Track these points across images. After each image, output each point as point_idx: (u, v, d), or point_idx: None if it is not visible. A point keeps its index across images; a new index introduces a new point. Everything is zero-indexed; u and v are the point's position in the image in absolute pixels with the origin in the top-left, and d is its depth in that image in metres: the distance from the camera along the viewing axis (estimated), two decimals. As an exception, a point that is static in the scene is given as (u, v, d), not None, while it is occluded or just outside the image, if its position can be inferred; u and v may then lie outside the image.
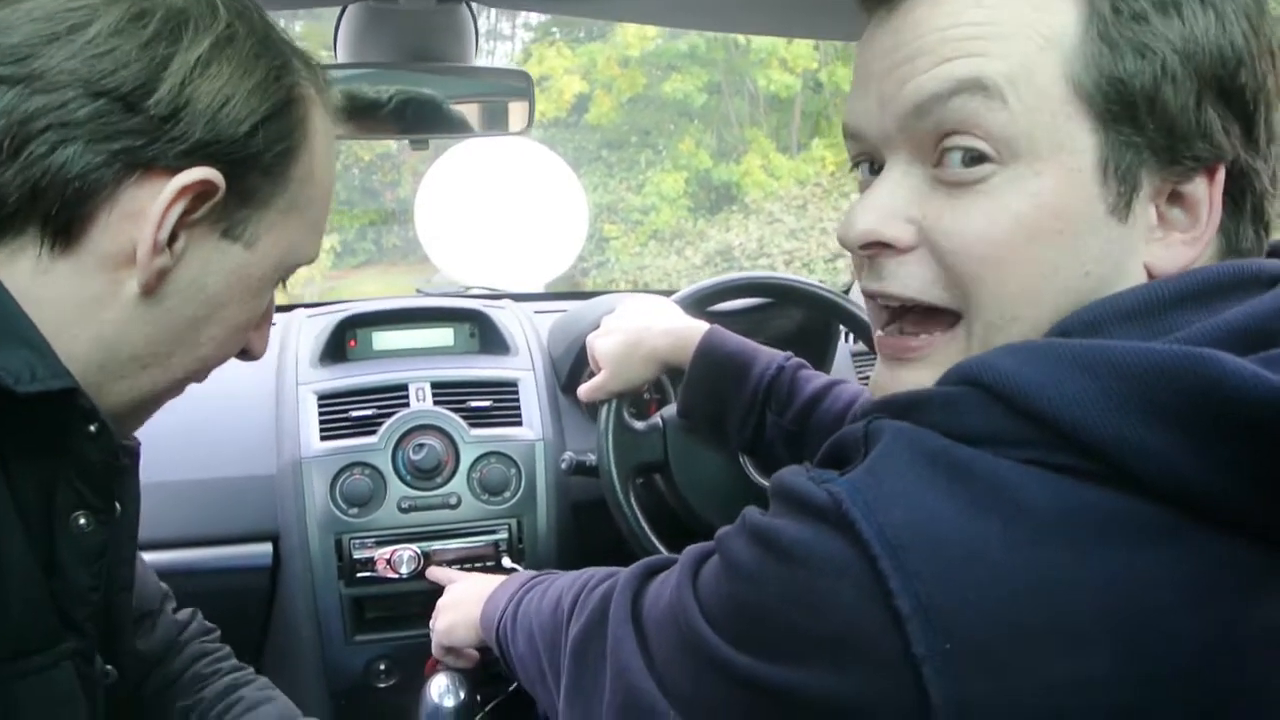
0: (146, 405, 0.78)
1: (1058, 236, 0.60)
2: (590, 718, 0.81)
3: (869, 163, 0.70)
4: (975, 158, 0.61)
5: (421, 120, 1.35)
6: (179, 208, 0.69)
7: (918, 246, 0.64)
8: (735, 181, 11.50)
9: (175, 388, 0.79)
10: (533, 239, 2.81)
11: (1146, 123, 0.59)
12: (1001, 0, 0.60)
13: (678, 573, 0.71)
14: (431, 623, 1.28)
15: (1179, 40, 0.58)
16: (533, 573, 1.13)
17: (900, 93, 0.63)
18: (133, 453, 0.83)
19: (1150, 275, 0.62)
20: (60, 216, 0.68)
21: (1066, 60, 0.59)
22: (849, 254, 0.69)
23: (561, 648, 0.89)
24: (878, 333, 0.71)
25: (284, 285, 0.83)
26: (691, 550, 0.73)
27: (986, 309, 0.62)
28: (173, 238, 0.71)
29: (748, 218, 11.11)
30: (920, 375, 0.66)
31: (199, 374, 0.80)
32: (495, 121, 1.41)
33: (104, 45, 0.67)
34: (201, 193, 0.70)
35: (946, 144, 0.62)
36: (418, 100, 1.33)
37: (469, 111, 1.40)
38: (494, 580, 1.19)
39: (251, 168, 0.73)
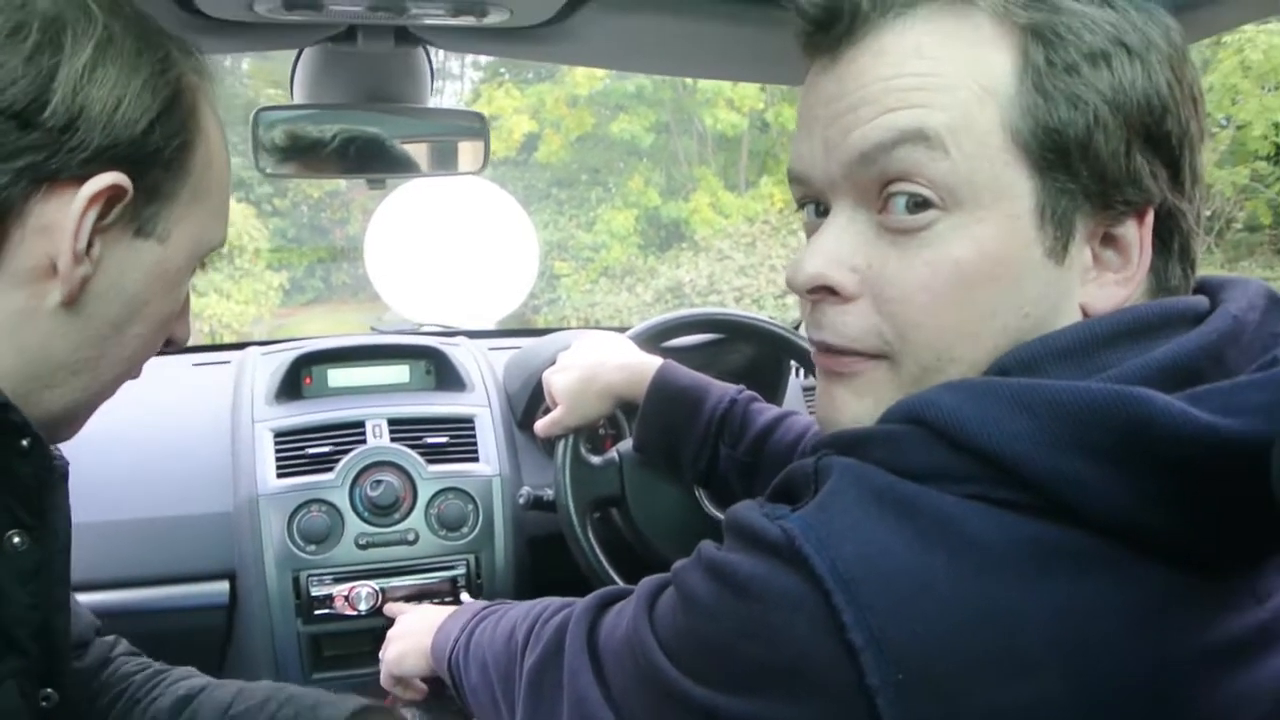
0: (80, 410, 0.78)
1: (997, 282, 0.62)
2: None
3: (814, 204, 0.71)
4: (919, 203, 0.62)
5: (377, 160, 1.37)
6: (92, 215, 0.69)
7: (860, 296, 0.66)
8: (684, 219, 11.60)
9: (108, 390, 0.79)
10: (483, 276, 2.81)
11: (1080, 169, 0.61)
12: (942, 51, 0.62)
13: (634, 605, 0.73)
14: (381, 653, 1.28)
15: (1109, 90, 0.60)
16: (485, 603, 1.13)
17: (845, 141, 0.64)
18: (60, 470, 0.82)
19: (1085, 314, 0.64)
20: None
21: (1004, 110, 0.61)
22: None
23: (516, 679, 0.89)
24: (814, 350, 0.72)
25: (203, 267, 0.84)
26: (647, 583, 0.74)
27: (921, 352, 0.64)
28: (89, 245, 0.70)
29: (698, 255, 11.21)
30: (855, 400, 0.68)
31: (130, 373, 0.80)
32: (451, 161, 1.43)
33: None
34: (112, 197, 0.70)
35: (891, 190, 0.63)
36: (373, 140, 1.35)
37: (425, 151, 1.41)
38: (445, 610, 1.19)
39: (153, 164, 0.73)
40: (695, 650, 0.64)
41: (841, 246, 0.66)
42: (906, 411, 0.62)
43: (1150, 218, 0.63)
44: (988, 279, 0.62)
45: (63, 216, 0.68)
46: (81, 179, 0.69)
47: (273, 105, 1.33)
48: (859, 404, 0.68)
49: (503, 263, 2.85)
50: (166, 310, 0.79)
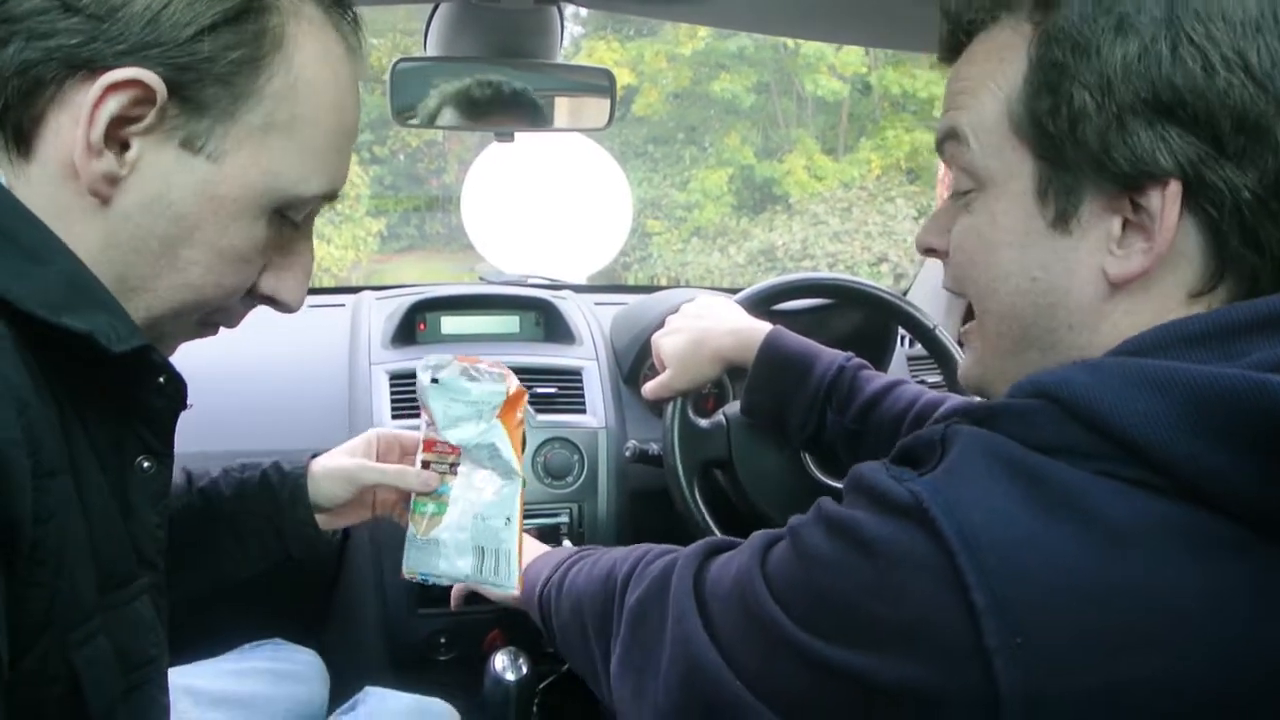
0: (148, 334, 0.76)
1: (1006, 248, 0.71)
2: (643, 684, 0.84)
3: None
4: (963, 187, 0.74)
5: (508, 113, 1.40)
6: (110, 106, 0.67)
7: (950, 252, 0.77)
8: (777, 179, 11.46)
9: (174, 321, 0.77)
10: (577, 231, 2.84)
11: (1066, 148, 0.66)
12: (982, 59, 0.73)
13: (745, 555, 0.75)
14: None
15: (1094, 78, 0.64)
16: (578, 547, 1.16)
17: None
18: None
19: (1108, 280, 0.67)
20: (10, 116, 0.68)
21: (1009, 104, 0.70)
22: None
23: (613, 616, 0.92)
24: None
25: (297, 215, 0.79)
26: (759, 535, 0.77)
27: (972, 300, 0.76)
28: (126, 145, 0.69)
29: (792, 218, 11.06)
30: (966, 353, 0.82)
31: (196, 306, 0.77)
32: (578, 117, 1.45)
33: None
34: (142, 97, 0.68)
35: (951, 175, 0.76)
36: (505, 94, 1.38)
37: (554, 106, 1.43)
38: (535, 550, 1.21)
39: (202, 75, 0.70)
40: (812, 603, 0.66)
41: (941, 218, 0.79)
42: (1037, 387, 0.65)
43: (1173, 189, 0.63)
44: (999, 245, 0.71)
45: (85, 104, 0.68)
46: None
47: (408, 57, 1.36)
48: (967, 356, 0.82)
49: (597, 218, 2.87)
50: (227, 242, 0.75)
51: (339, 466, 1.13)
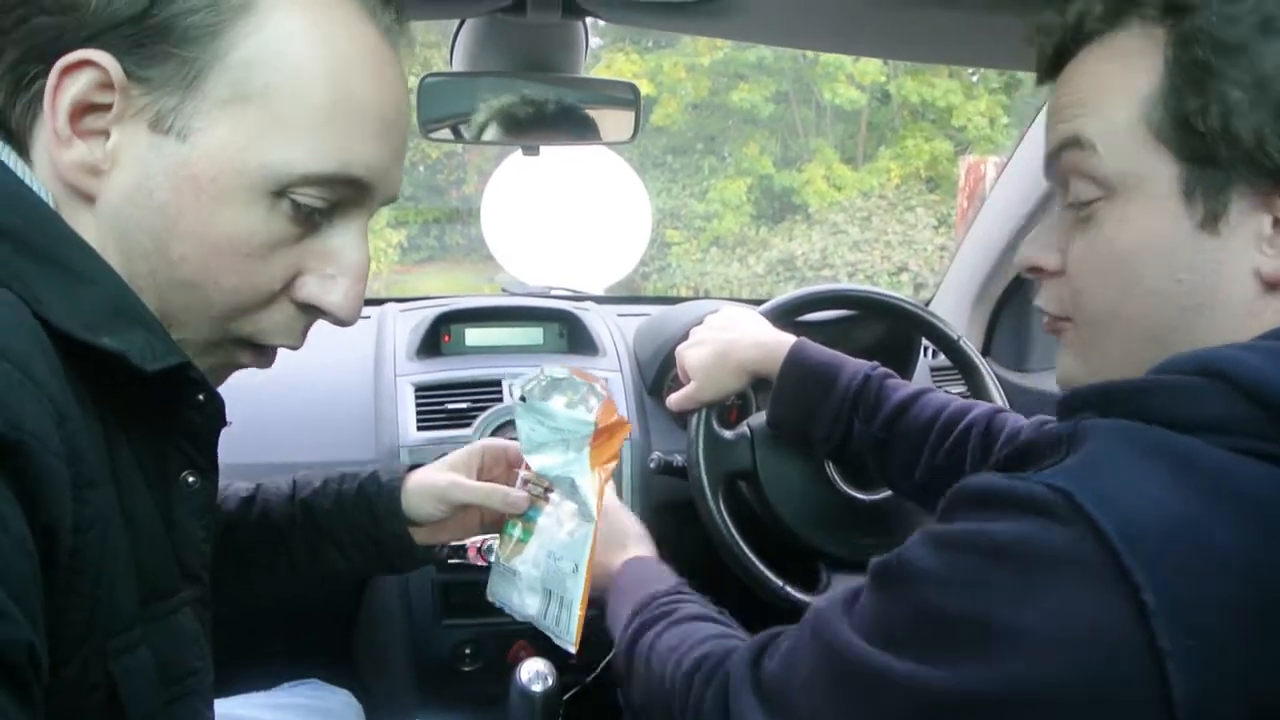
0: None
1: (1145, 252, 0.70)
2: None
3: None
4: (1086, 197, 0.73)
5: (534, 128, 1.40)
6: (70, 91, 0.66)
7: (1062, 271, 0.77)
8: (796, 189, 11.46)
9: (191, 329, 0.74)
10: (596, 242, 2.84)
11: (1219, 149, 0.66)
12: (1102, 68, 0.73)
13: (820, 624, 0.73)
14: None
15: (1246, 76, 0.65)
16: (640, 601, 1.06)
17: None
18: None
19: (1261, 279, 0.67)
20: (6, 119, 0.68)
21: (1146, 108, 0.69)
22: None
23: None
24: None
25: (315, 209, 0.73)
26: (825, 600, 0.75)
27: (1089, 313, 0.75)
28: (108, 137, 0.68)
29: (811, 228, 11.06)
30: (1065, 355, 0.80)
31: (206, 311, 0.73)
32: (603, 130, 1.46)
33: None
34: (102, 80, 0.66)
35: (1069, 186, 0.75)
36: (532, 109, 1.39)
37: (579, 120, 1.44)
38: (630, 577, 1.12)
39: (158, 49, 0.66)
40: (934, 633, 0.64)
41: (1050, 234, 0.79)
42: (1201, 364, 0.64)
43: None
44: (1136, 250, 0.70)
45: (48, 93, 0.66)
46: None
47: (436, 72, 1.37)
48: (1065, 357, 0.80)
49: (616, 229, 2.88)
50: (216, 233, 0.70)
51: (431, 483, 1.08)
